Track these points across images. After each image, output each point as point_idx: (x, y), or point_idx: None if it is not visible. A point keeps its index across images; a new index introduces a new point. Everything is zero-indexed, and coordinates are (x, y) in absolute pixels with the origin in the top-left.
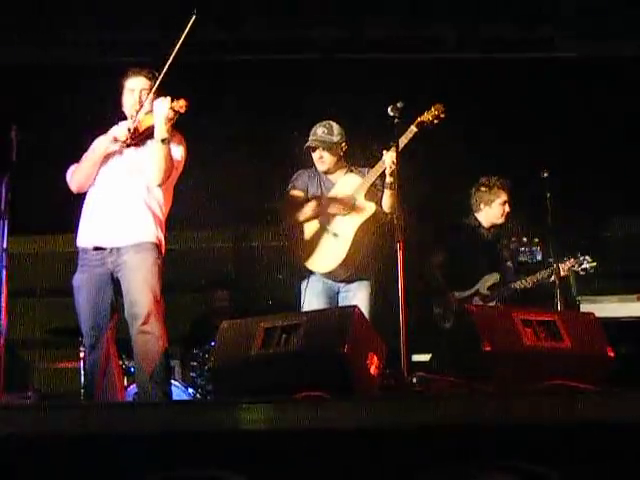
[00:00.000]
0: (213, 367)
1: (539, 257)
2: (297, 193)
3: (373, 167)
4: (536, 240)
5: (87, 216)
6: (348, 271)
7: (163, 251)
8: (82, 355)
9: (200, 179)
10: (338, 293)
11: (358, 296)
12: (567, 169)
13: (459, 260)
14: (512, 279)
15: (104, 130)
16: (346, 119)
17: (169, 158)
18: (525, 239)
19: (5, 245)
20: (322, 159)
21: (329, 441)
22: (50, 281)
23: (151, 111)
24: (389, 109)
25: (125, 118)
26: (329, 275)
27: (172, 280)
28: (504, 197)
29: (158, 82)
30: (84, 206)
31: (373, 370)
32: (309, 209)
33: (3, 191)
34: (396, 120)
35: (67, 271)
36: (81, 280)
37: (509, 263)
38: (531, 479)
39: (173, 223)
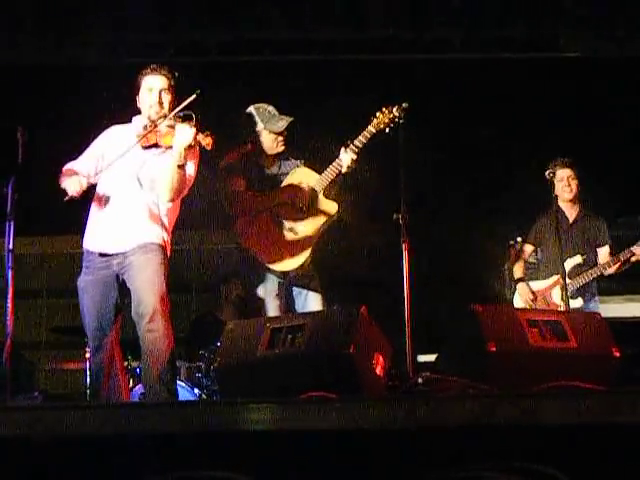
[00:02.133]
0: (219, 367)
1: None
2: (239, 180)
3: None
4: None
5: (94, 220)
6: (307, 271)
7: (169, 253)
8: (87, 356)
9: (206, 179)
10: (291, 292)
11: (312, 294)
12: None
13: (544, 249)
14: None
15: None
16: (345, 120)
17: (183, 179)
18: None
19: (11, 246)
20: (283, 142)
21: (334, 442)
22: (56, 282)
23: (172, 127)
24: (394, 109)
25: (138, 113)
26: (285, 274)
27: (178, 280)
28: (562, 173)
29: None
30: (92, 209)
31: (379, 370)
32: (258, 203)
33: (9, 192)
34: (400, 121)
35: (73, 272)
36: (86, 282)
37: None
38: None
39: (179, 223)
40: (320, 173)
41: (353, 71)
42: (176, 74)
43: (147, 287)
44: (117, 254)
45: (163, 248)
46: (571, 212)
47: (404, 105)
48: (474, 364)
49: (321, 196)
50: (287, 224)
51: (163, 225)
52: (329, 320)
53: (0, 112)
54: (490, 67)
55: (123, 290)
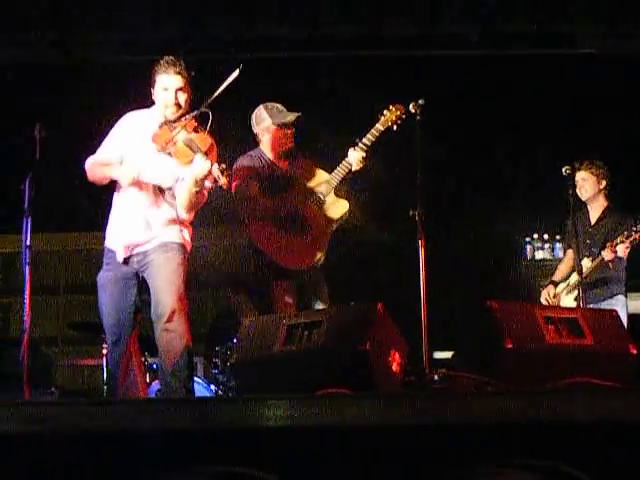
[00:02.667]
0: (235, 363)
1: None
2: (252, 184)
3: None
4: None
5: (116, 220)
6: (317, 270)
7: (188, 251)
8: (104, 352)
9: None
10: (306, 290)
11: (321, 288)
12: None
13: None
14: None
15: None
16: (363, 116)
17: (198, 199)
18: (546, 236)
19: (29, 242)
20: (291, 137)
21: (350, 438)
22: (73, 278)
23: (188, 147)
24: (410, 106)
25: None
26: (300, 273)
27: (195, 277)
28: (577, 175)
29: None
30: (113, 208)
31: (395, 367)
32: (271, 205)
33: (27, 189)
34: (417, 117)
35: (90, 268)
36: (105, 278)
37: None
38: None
39: (197, 220)
40: (330, 172)
41: (365, 68)
42: (192, 72)
43: (166, 287)
44: (138, 253)
45: (183, 247)
46: (595, 212)
47: (420, 102)
48: (490, 361)
49: (332, 195)
50: (300, 224)
51: (183, 223)
52: (345, 317)
53: (17, 109)
54: (505, 63)
55: (142, 287)
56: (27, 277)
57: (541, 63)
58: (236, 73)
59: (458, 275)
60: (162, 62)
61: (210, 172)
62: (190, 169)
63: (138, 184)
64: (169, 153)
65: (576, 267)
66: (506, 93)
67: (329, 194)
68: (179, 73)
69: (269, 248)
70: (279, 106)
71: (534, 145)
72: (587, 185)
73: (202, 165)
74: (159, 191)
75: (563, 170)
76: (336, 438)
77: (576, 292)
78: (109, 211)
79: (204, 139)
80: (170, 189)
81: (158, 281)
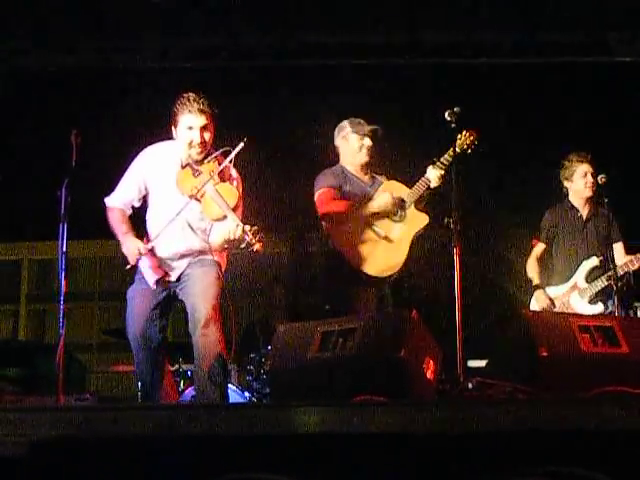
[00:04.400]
0: (270, 370)
1: None
2: (333, 193)
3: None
4: None
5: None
6: (400, 277)
7: (223, 271)
8: None
9: (256, 182)
10: (382, 296)
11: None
12: (625, 173)
13: (557, 248)
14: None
15: (159, 136)
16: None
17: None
18: None
19: (65, 249)
20: (369, 149)
21: (385, 445)
22: (108, 285)
23: (216, 199)
24: (446, 114)
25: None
26: (381, 280)
27: (229, 284)
28: (585, 168)
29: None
30: (148, 228)
31: (429, 375)
32: (356, 215)
33: (63, 195)
34: (452, 125)
35: (125, 276)
36: (135, 290)
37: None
38: None
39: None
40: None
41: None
42: (216, 110)
43: (202, 295)
44: (172, 271)
45: (219, 264)
46: (584, 209)
47: (456, 109)
48: (525, 369)
49: (412, 208)
50: (382, 232)
51: (217, 254)
52: (380, 324)
53: (54, 115)
54: (540, 72)
55: (171, 304)
56: (63, 284)
57: (576, 71)
58: (241, 145)
59: (493, 283)
60: (184, 99)
61: (243, 236)
62: (220, 231)
63: (166, 224)
64: (195, 198)
65: (576, 270)
66: (542, 101)
67: (410, 207)
68: (202, 111)
69: (353, 256)
70: (361, 120)
71: (568, 154)
72: (592, 180)
73: (234, 230)
74: (189, 233)
75: (599, 178)
76: (370, 445)
77: (588, 296)
78: (144, 218)
79: (230, 192)
80: (200, 228)
81: (195, 290)
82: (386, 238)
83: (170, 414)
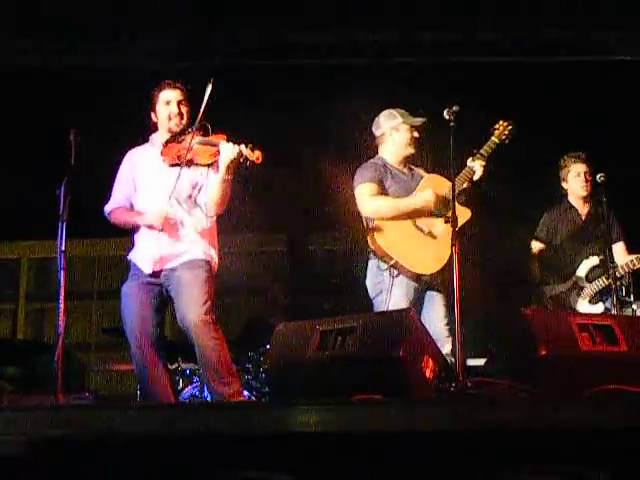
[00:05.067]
0: (268, 368)
1: None
2: (375, 188)
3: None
4: None
5: (141, 238)
6: (443, 274)
7: (215, 266)
8: None
9: (251, 180)
10: (421, 295)
11: (439, 300)
12: (623, 173)
13: (557, 248)
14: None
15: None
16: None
17: (229, 192)
18: None
19: (63, 247)
20: (417, 141)
21: (383, 443)
22: (107, 284)
23: (205, 144)
24: (445, 112)
25: (155, 130)
26: (421, 276)
27: (226, 284)
28: (579, 168)
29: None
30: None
31: (428, 373)
32: (398, 206)
33: (62, 193)
34: (451, 124)
35: (123, 274)
36: (130, 287)
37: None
38: None
39: (226, 226)
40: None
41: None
42: (188, 87)
43: (191, 303)
44: (166, 268)
45: (209, 264)
46: (583, 208)
47: (454, 108)
48: (524, 368)
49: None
50: (425, 228)
51: (209, 241)
52: (379, 323)
53: (52, 114)
54: (540, 71)
55: (166, 299)
56: (62, 282)
57: (575, 70)
58: (209, 88)
59: (492, 281)
60: (163, 82)
61: (241, 152)
62: (220, 159)
63: (155, 206)
64: (186, 163)
65: (576, 269)
66: (540, 100)
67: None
68: (178, 88)
69: (399, 255)
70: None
71: (567, 153)
72: (589, 179)
73: (231, 148)
74: (179, 211)
75: (597, 177)
76: (369, 444)
77: (588, 296)
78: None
79: (217, 135)
80: (191, 197)
81: (184, 296)
82: (430, 234)
83: (169, 413)
